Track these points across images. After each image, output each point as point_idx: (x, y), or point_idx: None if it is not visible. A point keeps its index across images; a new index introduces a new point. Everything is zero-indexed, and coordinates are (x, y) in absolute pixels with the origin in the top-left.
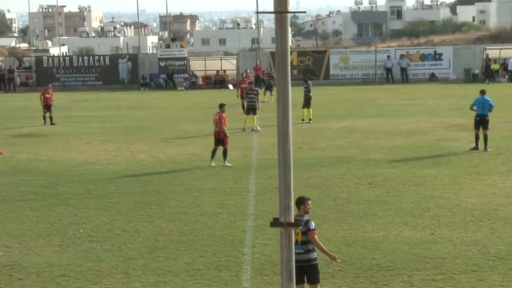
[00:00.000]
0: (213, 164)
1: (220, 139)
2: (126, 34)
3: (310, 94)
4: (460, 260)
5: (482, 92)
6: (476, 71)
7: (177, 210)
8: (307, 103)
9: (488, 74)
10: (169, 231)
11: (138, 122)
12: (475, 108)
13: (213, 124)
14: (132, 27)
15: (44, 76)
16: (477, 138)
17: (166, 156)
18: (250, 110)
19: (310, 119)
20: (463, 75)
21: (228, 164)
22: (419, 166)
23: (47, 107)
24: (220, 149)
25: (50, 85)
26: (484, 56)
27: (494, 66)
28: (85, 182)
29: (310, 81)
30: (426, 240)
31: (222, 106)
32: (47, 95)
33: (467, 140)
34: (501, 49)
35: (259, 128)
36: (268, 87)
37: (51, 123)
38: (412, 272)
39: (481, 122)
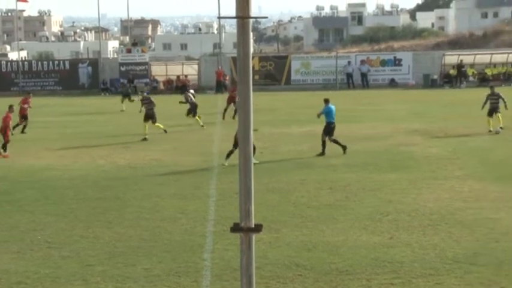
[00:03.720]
0: (226, 164)
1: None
2: (86, 39)
3: (195, 101)
4: (418, 263)
5: (328, 101)
6: (435, 77)
7: (136, 216)
8: (191, 110)
9: (460, 76)
10: (128, 237)
11: (98, 127)
12: (322, 116)
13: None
14: (93, 31)
15: (2, 81)
16: (325, 144)
17: (126, 162)
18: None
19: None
20: (422, 80)
21: (256, 161)
22: (378, 171)
23: (24, 117)
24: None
25: (30, 94)
26: (443, 62)
27: (452, 72)
28: (43, 188)
29: (191, 91)
30: (385, 245)
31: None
32: (25, 106)
33: (426, 145)
34: (459, 55)
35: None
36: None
37: (23, 131)
38: (371, 276)
39: (332, 129)
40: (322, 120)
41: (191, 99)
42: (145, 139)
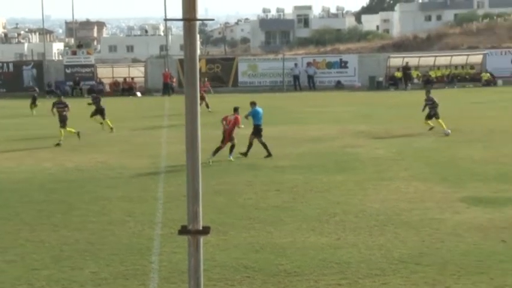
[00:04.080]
0: (211, 162)
1: (227, 137)
2: (30, 40)
3: (101, 105)
4: (365, 264)
5: (255, 104)
6: (381, 79)
7: (83, 219)
8: (98, 112)
9: (406, 78)
10: (75, 240)
11: (43, 129)
12: (249, 118)
13: (224, 123)
14: (37, 33)
15: None
16: (251, 145)
17: (72, 164)
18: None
19: (111, 128)
20: (367, 82)
21: (232, 159)
22: (325, 172)
23: None
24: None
25: None
26: (388, 64)
27: (397, 74)
28: None
29: (95, 94)
30: (332, 246)
31: (237, 109)
32: None
33: (371, 147)
34: (404, 57)
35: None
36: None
37: None
38: (319, 277)
39: (260, 131)
40: (267, 122)
41: (97, 101)
42: (58, 144)
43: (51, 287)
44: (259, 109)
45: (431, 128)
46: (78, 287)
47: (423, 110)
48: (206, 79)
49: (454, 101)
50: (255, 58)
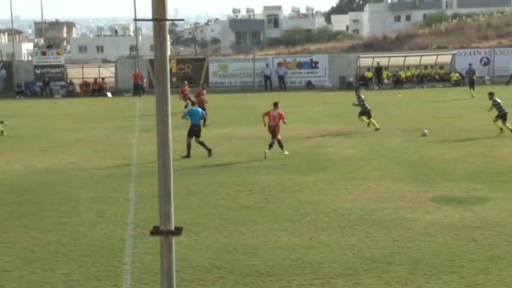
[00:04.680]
0: (268, 152)
1: (275, 132)
2: None
3: None
4: (337, 264)
5: (194, 103)
6: (351, 79)
7: (54, 220)
8: None
9: (379, 78)
10: (46, 241)
11: (14, 130)
12: (188, 118)
13: (270, 120)
14: (6, 33)
15: None
16: (190, 145)
17: (43, 165)
18: None
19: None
20: (338, 83)
21: (286, 153)
22: (297, 172)
23: None
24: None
25: None
26: (358, 64)
27: (368, 74)
28: None
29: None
30: (304, 246)
31: (277, 104)
32: None
33: (343, 146)
34: (374, 57)
35: None
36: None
37: None
38: (291, 277)
39: (197, 131)
40: (239, 122)
41: None
42: None
43: None
44: (197, 109)
45: (368, 124)
46: None
47: (356, 105)
48: (186, 82)
49: (424, 100)
50: (225, 58)
